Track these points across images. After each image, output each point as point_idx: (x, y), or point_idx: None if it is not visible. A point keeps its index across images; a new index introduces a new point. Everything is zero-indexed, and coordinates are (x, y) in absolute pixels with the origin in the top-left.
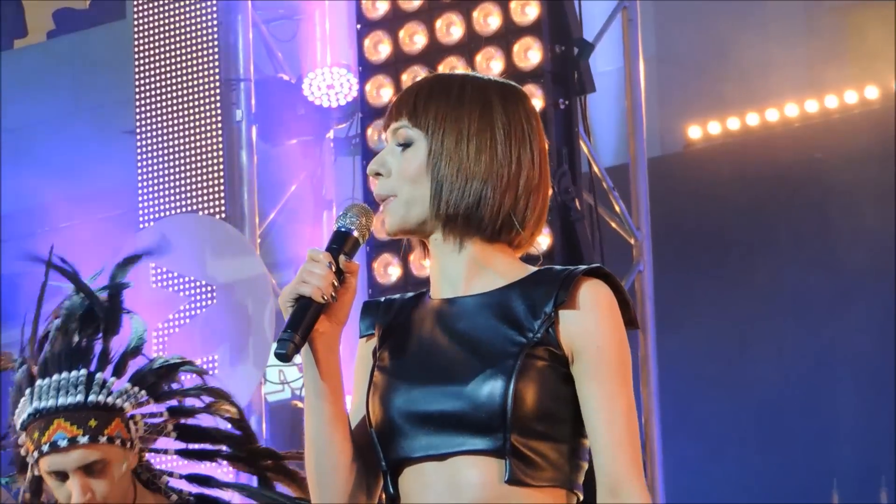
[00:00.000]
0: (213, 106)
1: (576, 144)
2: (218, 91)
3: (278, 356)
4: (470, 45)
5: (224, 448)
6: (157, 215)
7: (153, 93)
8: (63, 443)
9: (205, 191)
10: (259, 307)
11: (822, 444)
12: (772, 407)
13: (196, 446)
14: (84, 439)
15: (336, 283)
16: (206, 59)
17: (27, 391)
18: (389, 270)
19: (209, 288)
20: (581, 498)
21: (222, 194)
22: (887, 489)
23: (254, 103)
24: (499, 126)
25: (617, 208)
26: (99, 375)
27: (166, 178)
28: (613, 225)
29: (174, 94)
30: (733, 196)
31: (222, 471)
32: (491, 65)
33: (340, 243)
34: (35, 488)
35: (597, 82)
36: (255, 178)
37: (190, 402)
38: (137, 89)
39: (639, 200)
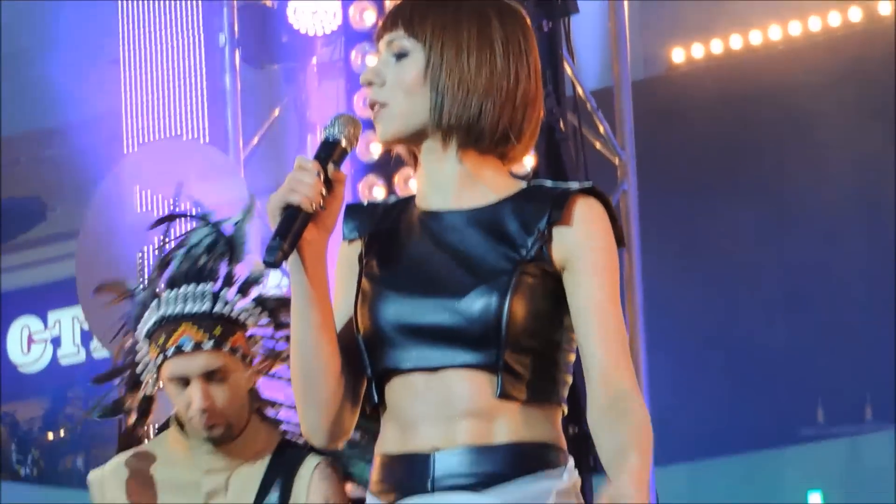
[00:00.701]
0: (195, 31)
1: (560, 66)
2: (201, 16)
3: (267, 263)
4: None
5: None
6: (142, 140)
7: (136, 21)
8: (188, 347)
9: (188, 116)
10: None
11: (807, 363)
12: (757, 326)
13: None
14: (209, 345)
15: (324, 192)
16: None
17: (153, 303)
18: (374, 191)
19: (194, 210)
20: (566, 411)
21: (206, 119)
22: (872, 406)
23: (237, 28)
24: (497, 40)
25: (601, 129)
26: (224, 291)
27: (150, 105)
28: (598, 145)
29: (157, 21)
30: (716, 118)
31: None
32: None
33: (328, 152)
34: (145, 408)
35: (580, 5)
36: (239, 103)
37: None
38: (121, 18)
39: (623, 121)
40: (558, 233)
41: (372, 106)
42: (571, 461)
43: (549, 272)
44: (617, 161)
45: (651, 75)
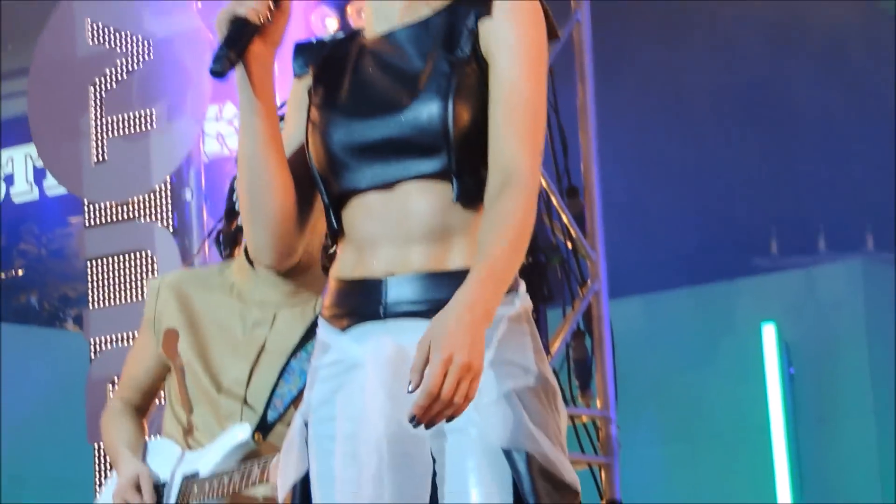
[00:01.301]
0: None
1: None
2: None
3: (213, 72)
4: None
5: None
6: None
7: None
8: None
9: None
10: (196, 61)
11: (761, 194)
12: (710, 156)
13: None
14: None
15: (271, 6)
16: None
17: None
18: (327, 23)
19: (147, 43)
20: None
21: None
22: (826, 237)
23: None
24: None
25: None
26: None
27: None
28: None
29: None
30: None
31: None
32: None
33: None
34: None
35: None
36: None
37: None
38: None
39: None
40: (484, 26)
41: None
42: (523, 286)
43: (485, 69)
44: None
45: None
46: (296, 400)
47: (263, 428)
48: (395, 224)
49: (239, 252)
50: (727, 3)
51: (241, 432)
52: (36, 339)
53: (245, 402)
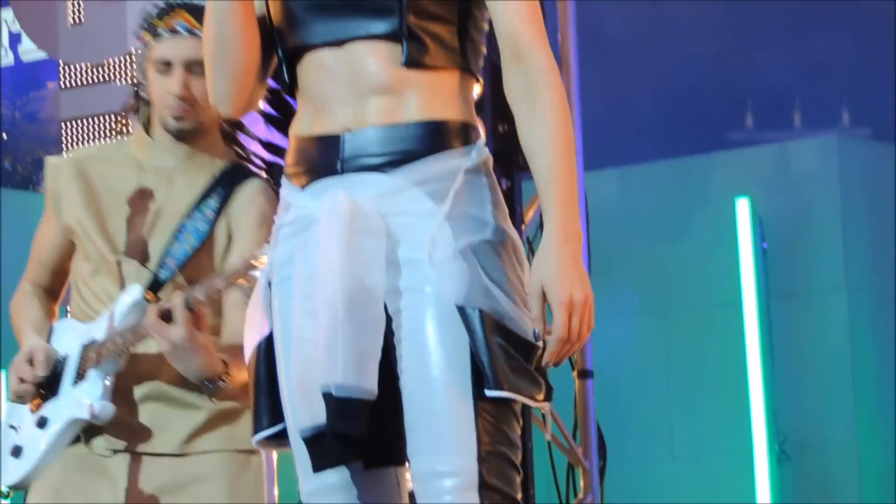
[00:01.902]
0: None
1: None
2: None
3: None
4: None
5: None
6: None
7: None
8: (182, 31)
9: None
10: None
11: (737, 67)
12: (686, 29)
13: None
14: (198, 33)
15: None
16: None
17: None
18: None
19: None
20: (481, 82)
21: None
22: (801, 112)
23: None
24: None
25: None
26: None
27: None
28: None
29: None
30: None
31: None
32: None
33: None
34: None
35: None
36: None
37: None
38: None
39: None
40: None
41: None
42: (482, 139)
43: None
44: None
45: None
46: (189, 259)
47: (155, 286)
48: (349, 81)
49: (138, 126)
50: None
51: (134, 292)
52: (9, 202)
53: (142, 264)
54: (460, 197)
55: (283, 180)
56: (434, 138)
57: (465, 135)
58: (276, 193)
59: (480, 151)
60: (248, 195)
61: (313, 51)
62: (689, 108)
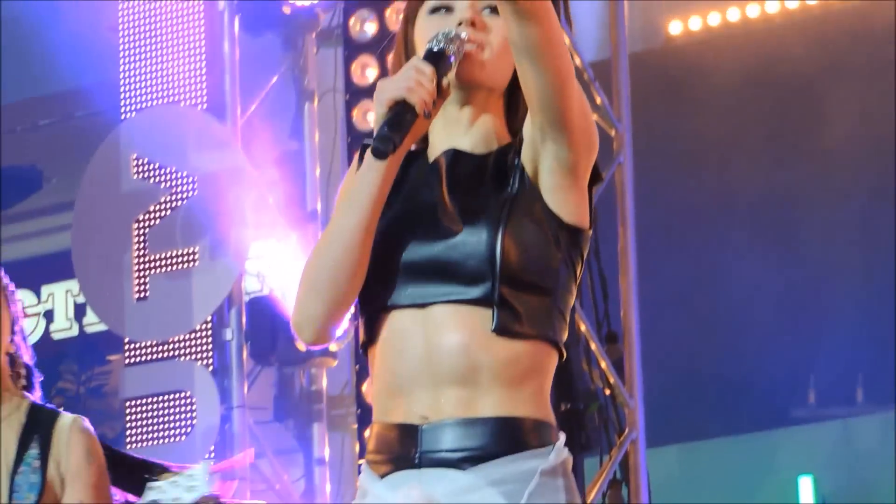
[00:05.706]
0: None
1: None
2: None
3: (376, 151)
4: None
5: None
6: (139, 107)
7: None
8: None
9: (186, 82)
10: (239, 199)
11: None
12: (748, 306)
13: None
14: None
15: (435, 98)
16: None
17: None
18: (367, 73)
19: (191, 179)
20: (565, 355)
21: (204, 86)
22: (864, 388)
23: None
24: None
25: (598, 101)
26: None
27: (148, 72)
28: (595, 117)
29: None
30: (714, 91)
31: None
32: None
33: (436, 61)
34: None
35: None
36: (237, 70)
37: None
38: None
39: (620, 93)
40: (524, 154)
41: (458, 42)
42: (562, 439)
43: (538, 199)
44: (613, 133)
45: (648, 48)
46: None
47: None
48: (428, 360)
49: None
50: (773, 160)
51: None
52: None
53: None
54: (534, 498)
55: (364, 466)
56: (511, 437)
57: (541, 434)
58: (87, 423)
59: (559, 453)
60: (68, 434)
61: (395, 310)
62: (749, 383)
